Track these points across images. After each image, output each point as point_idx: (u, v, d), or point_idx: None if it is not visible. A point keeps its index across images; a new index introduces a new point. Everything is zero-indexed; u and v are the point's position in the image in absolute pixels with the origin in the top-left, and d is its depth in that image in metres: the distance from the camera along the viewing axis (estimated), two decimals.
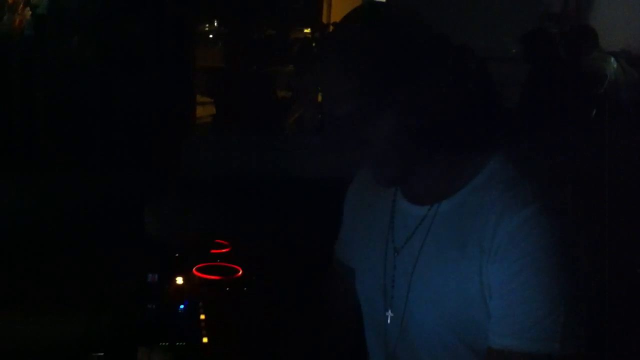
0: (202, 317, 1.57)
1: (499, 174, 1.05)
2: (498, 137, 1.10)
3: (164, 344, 1.39)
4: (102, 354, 1.42)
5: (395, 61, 1.02)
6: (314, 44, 6.09)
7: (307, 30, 6.74)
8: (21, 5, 6.14)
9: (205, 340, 1.48)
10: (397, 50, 1.03)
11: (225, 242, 2.05)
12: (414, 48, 1.03)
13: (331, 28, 6.26)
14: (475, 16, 6.32)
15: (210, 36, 8.61)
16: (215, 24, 8.44)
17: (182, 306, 1.52)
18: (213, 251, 1.99)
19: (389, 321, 1.15)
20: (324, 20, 7.54)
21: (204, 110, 6.13)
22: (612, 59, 4.94)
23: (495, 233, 1.00)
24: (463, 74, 1.06)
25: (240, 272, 1.88)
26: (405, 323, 1.12)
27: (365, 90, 1.02)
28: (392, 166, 1.08)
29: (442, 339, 1.07)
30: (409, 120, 1.04)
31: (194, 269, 1.85)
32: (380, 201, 1.18)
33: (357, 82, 1.02)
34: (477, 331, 1.04)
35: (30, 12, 5.97)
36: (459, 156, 1.08)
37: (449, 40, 1.09)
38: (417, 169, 1.09)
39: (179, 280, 1.71)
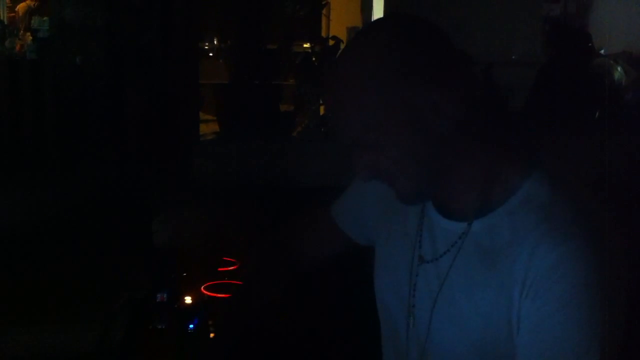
0: (212, 335, 1.56)
1: (535, 198, 1.00)
2: (531, 154, 1.04)
3: None
4: None
5: (414, 82, 0.98)
6: (314, 58, 6.11)
7: (307, 45, 6.76)
8: (22, 31, 6.18)
9: None
10: (418, 69, 0.98)
11: (233, 260, 2.04)
12: (436, 63, 0.99)
13: (331, 42, 6.28)
14: (474, 21, 6.32)
15: (211, 54, 8.65)
16: (215, 41, 8.48)
17: (191, 325, 1.52)
18: (221, 269, 1.98)
19: (408, 331, 1.12)
20: (323, 34, 7.57)
21: (207, 127, 6.14)
22: (613, 62, 4.94)
23: (530, 266, 0.95)
24: (486, 87, 1.02)
25: None
26: (426, 338, 1.09)
27: (384, 114, 0.99)
28: (416, 186, 1.04)
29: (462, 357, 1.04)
30: (433, 140, 1.00)
31: (202, 287, 1.85)
32: (406, 210, 1.14)
33: (374, 109, 0.98)
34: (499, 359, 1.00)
35: (31, 37, 6.00)
36: (491, 174, 1.03)
37: (467, 54, 1.06)
38: (445, 186, 1.05)
39: (188, 299, 1.71)
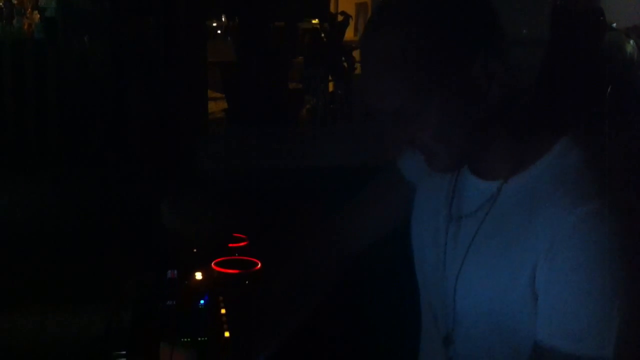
0: (223, 311, 1.56)
1: (563, 159, 1.01)
2: (561, 119, 1.07)
3: (185, 340, 1.38)
4: (124, 352, 1.41)
5: (450, 47, 0.97)
6: (322, 35, 6.06)
7: (315, 21, 6.70)
8: (29, 10, 6.16)
9: (227, 334, 1.47)
10: (453, 34, 0.97)
11: (243, 236, 2.04)
12: (469, 29, 0.99)
13: (339, 18, 6.22)
14: None
15: (219, 31, 8.60)
16: (223, 18, 8.43)
17: (202, 301, 1.51)
18: (231, 245, 1.98)
19: (443, 291, 1.12)
20: (332, 10, 7.51)
21: (216, 106, 6.12)
22: (625, 36, 4.88)
23: (551, 227, 0.96)
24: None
25: (259, 265, 1.86)
26: (453, 298, 1.10)
27: (418, 82, 0.97)
28: (454, 156, 1.05)
29: (484, 319, 1.05)
30: (482, 108, 1.00)
31: (212, 263, 1.84)
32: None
33: (410, 74, 0.97)
34: (516, 320, 1.01)
35: (38, 16, 5.98)
36: (523, 137, 1.05)
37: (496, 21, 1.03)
38: (480, 149, 1.05)
39: (198, 275, 1.71)
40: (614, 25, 5.02)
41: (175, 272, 1.67)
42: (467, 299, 1.08)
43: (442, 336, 1.13)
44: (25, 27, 5.98)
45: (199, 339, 1.40)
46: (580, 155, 1.01)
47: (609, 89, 4.52)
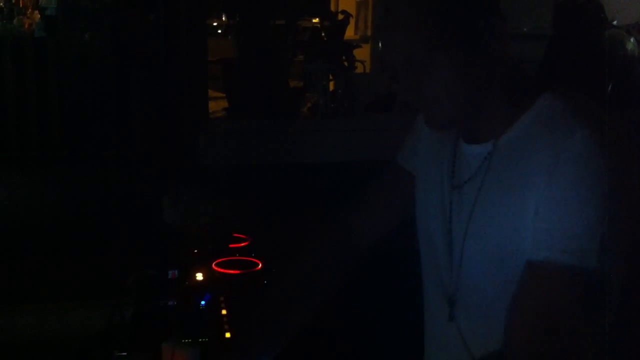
0: (224, 312, 1.57)
1: (546, 109, 1.10)
2: (544, 77, 1.24)
3: (186, 340, 1.38)
4: (125, 353, 1.41)
5: (459, 11, 1.06)
6: (323, 33, 6.05)
7: (316, 20, 6.70)
8: (30, 9, 6.16)
9: (227, 335, 1.47)
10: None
11: (244, 236, 2.04)
12: None
13: (340, 17, 6.22)
14: None
15: (219, 30, 8.59)
16: (224, 17, 8.43)
17: (203, 302, 1.52)
18: (231, 245, 1.98)
19: (449, 259, 1.19)
20: (332, 8, 7.50)
21: (217, 105, 6.12)
22: (626, 33, 4.87)
23: (546, 162, 1.04)
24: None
25: (260, 265, 1.87)
26: (460, 262, 1.17)
27: (430, 38, 1.05)
28: (454, 111, 1.12)
29: (493, 271, 1.11)
30: (487, 62, 1.08)
31: (213, 263, 1.85)
32: (444, 142, 1.25)
33: (436, 27, 1.05)
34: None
35: (39, 15, 5.98)
36: (510, 98, 1.13)
37: None
38: (468, 114, 1.13)
39: (199, 275, 1.71)
40: (615, 22, 5.01)
41: (176, 272, 1.67)
42: (475, 251, 1.14)
43: (447, 297, 1.20)
44: (26, 26, 5.98)
45: (200, 339, 1.40)
46: (564, 103, 1.10)
47: (609, 87, 4.51)
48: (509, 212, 1.08)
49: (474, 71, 1.09)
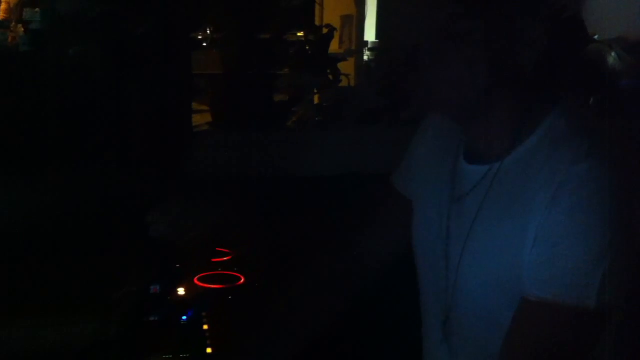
0: (206, 327, 1.56)
1: (552, 131, 1.05)
2: (552, 96, 1.11)
3: (167, 356, 1.38)
4: None
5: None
6: (308, 47, 6.08)
7: (301, 33, 6.73)
8: (14, 23, 6.13)
9: (209, 350, 1.46)
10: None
11: (227, 250, 2.03)
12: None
13: (325, 30, 6.25)
14: None
15: (204, 44, 8.59)
16: (208, 30, 8.42)
17: (184, 317, 1.51)
18: (214, 259, 1.97)
19: (446, 274, 1.15)
20: (317, 22, 7.53)
21: (202, 118, 6.12)
22: (607, 48, 4.91)
23: (555, 179, 1.00)
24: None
25: (243, 280, 1.86)
26: (455, 279, 1.13)
27: (476, 24, 1.01)
28: (456, 108, 1.08)
29: (489, 295, 1.07)
30: (482, 63, 1.03)
31: (195, 278, 1.84)
32: (443, 160, 1.21)
33: (466, 15, 1.01)
34: (520, 288, 1.02)
35: (22, 29, 5.96)
36: (516, 114, 1.08)
37: None
38: (477, 127, 1.10)
39: (181, 290, 1.70)
40: (596, 36, 5.06)
41: (158, 287, 1.66)
42: (471, 273, 1.11)
43: (440, 317, 1.17)
44: (10, 40, 5.96)
45: (181, 355, 1.39)
46: (570, 125, 1.05)
47: (591, 100, 4.55)
48: (509, 236, 1.04)
49: (492, 73, 1.04)
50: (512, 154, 1.08)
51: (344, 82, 5.47)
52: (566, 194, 0.98)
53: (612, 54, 4.83)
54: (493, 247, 1.06)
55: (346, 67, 5.83)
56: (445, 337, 1.17)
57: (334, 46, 6.12)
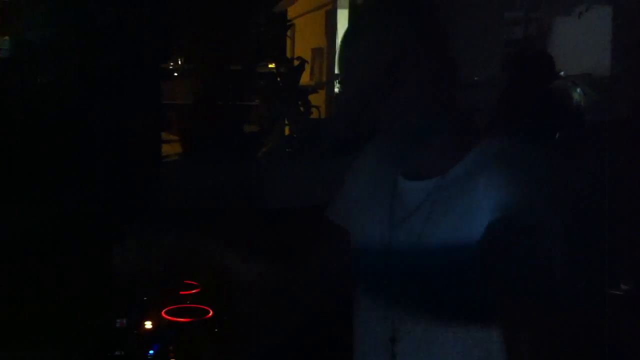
0: None
1: (492, 146, 1.16)
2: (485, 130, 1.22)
3: None
4: None
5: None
6: (279, 78, 6.12)
7: (272, 65, 6.77)
8: None
9: None
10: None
11: (195, 283, 2.01)
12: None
13: (296, 62, 6.30)
14: None
15: (175, 74, 8.59)
16: (180, 61, 8.44)
17: (151, 351, 1.48)
18: (182, 292, 1.95)
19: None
20: (288, 55, 7.59)
21: (171, 148, 6.09)
22: (572, 84, 5.02)
23: (486, 187, 1.09)
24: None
25: (211, 313, 1.84)
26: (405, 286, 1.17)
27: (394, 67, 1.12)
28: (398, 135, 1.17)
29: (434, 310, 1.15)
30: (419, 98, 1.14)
31: (163, 311, 1.81)
32: (381, 183, 1.26)
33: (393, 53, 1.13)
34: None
35: None
36: (455, 138, 1.18)
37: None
38: (420, 148, 1.18)
39: (148, 324, 1.67)
40: (562, 73, 5.17)
41: (125, 320, 1.63)
42: (417, 290, 1.16)
43: (388, 336, 1.19)
44: None
45: None
46: (510, 141, 1.17)
47: (557, 135, 4.63)
48: (458, 236, 1.12)
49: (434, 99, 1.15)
50: (451, 172, 1.16)
51: (314, 114, 5.50)
52: (500, 176, 1.09)
53: (578, 90, 4.94)
54: (441, 256, 1.14)
55: (317, 99, 5.88)
56: (394, 355, 1.19)
57: (305, 78, 6.17)
